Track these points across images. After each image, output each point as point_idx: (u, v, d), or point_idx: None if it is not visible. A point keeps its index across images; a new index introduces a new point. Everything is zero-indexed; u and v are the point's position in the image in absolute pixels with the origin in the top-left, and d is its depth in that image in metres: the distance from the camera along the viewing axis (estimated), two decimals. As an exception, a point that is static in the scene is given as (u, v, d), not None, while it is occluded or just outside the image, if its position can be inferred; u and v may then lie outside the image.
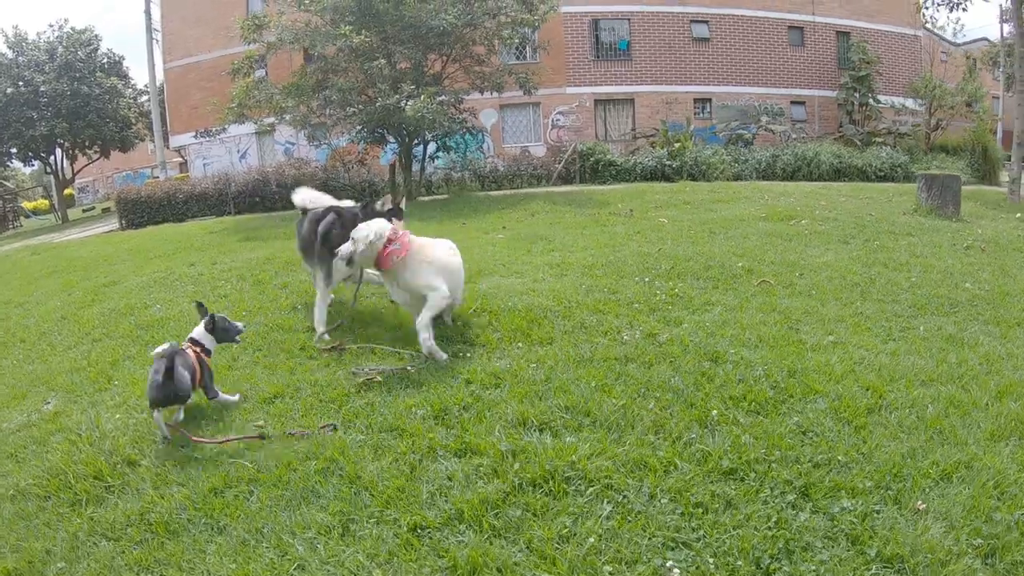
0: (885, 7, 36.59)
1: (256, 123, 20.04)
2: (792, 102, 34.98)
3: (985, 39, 48.19)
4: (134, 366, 6.48)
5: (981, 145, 28.58)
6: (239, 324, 5.57)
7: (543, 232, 12.49)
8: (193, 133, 34.51)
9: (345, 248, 5.86)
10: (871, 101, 33.46)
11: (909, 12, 37.11)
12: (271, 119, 19.44)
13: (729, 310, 6.98)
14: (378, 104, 17.21)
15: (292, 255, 10.64)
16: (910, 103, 35.02)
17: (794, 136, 30.56)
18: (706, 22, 33.78)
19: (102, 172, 58.68)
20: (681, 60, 33.64)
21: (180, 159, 43.03)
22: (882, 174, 25.72)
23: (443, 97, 18.28)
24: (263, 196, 24.81)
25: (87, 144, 40.02)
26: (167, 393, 4.63)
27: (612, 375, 5.30)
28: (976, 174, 26.76)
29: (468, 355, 5.90)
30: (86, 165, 44.53)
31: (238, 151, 34.41)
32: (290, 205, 23.81)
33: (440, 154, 21.83)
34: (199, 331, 5.30)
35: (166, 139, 35.48)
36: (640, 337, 6.14)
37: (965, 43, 49.43)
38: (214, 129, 28.84)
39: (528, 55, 29.30)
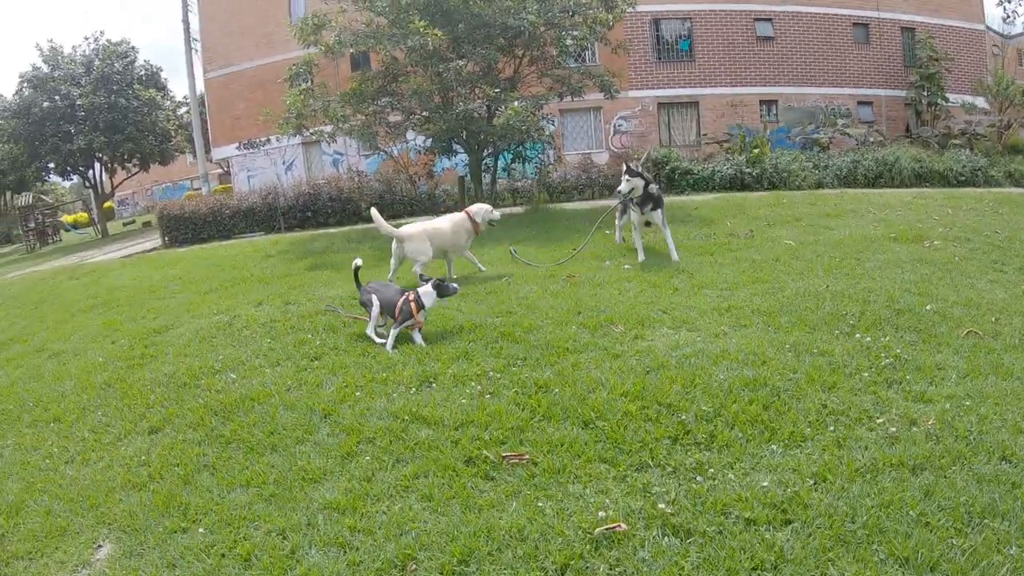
0: (948, 0, 35.13)
1: (314, 134, 18.31)
2: (859, 102, 33.62)
3: None
4: (219, 487, 4.61)
5: None
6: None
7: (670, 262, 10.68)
8: (236, 144, 33.13)
9: None
10: (940, 100, 32.27)
11: (974, 4, 36.27)
12: (328, 128, 17.64)
13: (964, 376, 5.57)
14: (458, 110, 15.39)
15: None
16: (979, 102, 33.18)
17: (871, 140, 28.76)
18: (770, 20, 32.25)
19: (141, 185, 57.85)
20: (745, 60, 32.12)
21: (220, 170, 41.72)
22: (963, 178, 24.22)
23: (523, 102, 16.36)
24: (314, 211, 23.22)
25: (126, 157, 38.88)
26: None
27: (916, 493, 3.93)
28: None
29: (713, 465, 4.24)
30: (125, 179, 43.35)
31: (283, 162, 32.91)
32: (345, 220, 22.79)
33: (515, 165, 19.95)
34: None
35: (207, 150, 34.08)
36: (902, 425, 4.70)
37: (1014, 36, 48.19)
38: (259, 140, 27.29)
39: (587, 57, 27.28)
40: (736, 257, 10.72)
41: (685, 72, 31.57)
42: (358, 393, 5.73)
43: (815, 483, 4.05)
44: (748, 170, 23.60)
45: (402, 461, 4.57)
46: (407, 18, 15.76)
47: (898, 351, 6.07)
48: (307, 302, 9.10)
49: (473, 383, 5.65)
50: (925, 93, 32.25)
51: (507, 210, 20.41)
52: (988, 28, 38.12)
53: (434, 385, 5.74)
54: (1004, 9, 35.66)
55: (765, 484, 4.02)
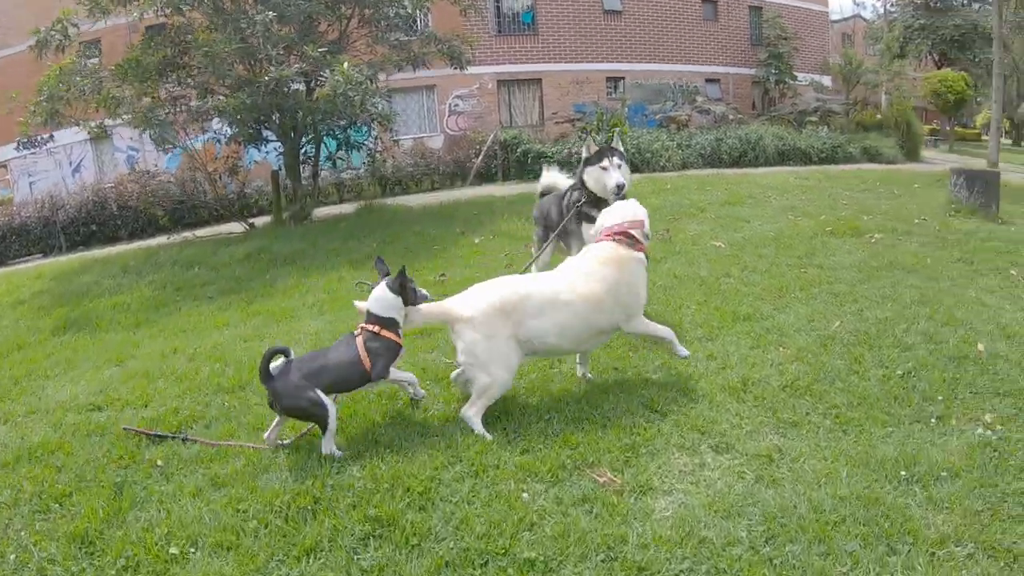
0: (794, -20, 35.55)
1: (81, 125, 13.95)
2: (706, 80, 32.41)
3: (859, 16, 51.08)
4: None
5: (905, 122, 28.01)
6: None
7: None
8: (14, 144, 27.62)
9: None
10: (788, 79, 32.67)
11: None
12: (102, 118, 13.48)
13: None
14: (268, 78, 11.46)
15: (171, 394, 5.47)
16: (825, 80, 34.50)
17: (731, 118, 27.91)
18: (618, -8, 30.03)
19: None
20: (592, 35, 29.61)
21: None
22: (823, 155, 24.45)
23: (354, 67, 12.45)
24: (101, 223, 19.20)
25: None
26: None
27: None
28: (903, 151, 26.41)
29: None
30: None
31: (70, 163, 27.60)
32: (139, 233, 18.34)
33: (341, 153, 16.09)
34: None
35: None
36: None
37: (839, 20, 50.00)
38: (41, 137, 22.30)
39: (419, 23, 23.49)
40: (673, 273, 7.76)
41: (528, 47, 28.62)
42: None
43: None
44: (610, 151, 21.24)
45: None
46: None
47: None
48: (23, 414, 5.31)
49: None
50: (774, 71, 32.22)
51: (333, 209, 16.89)
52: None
53: None
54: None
55: None
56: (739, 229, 10.49)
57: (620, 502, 3.34)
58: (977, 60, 36.62)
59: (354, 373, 4.11)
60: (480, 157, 21.92)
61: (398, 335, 4.23)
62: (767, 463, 3.72)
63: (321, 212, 16.11)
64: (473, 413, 4.14)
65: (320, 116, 12.83)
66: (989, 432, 4.06)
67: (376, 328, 4.16)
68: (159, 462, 4.14)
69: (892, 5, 41.69)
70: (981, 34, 35.79)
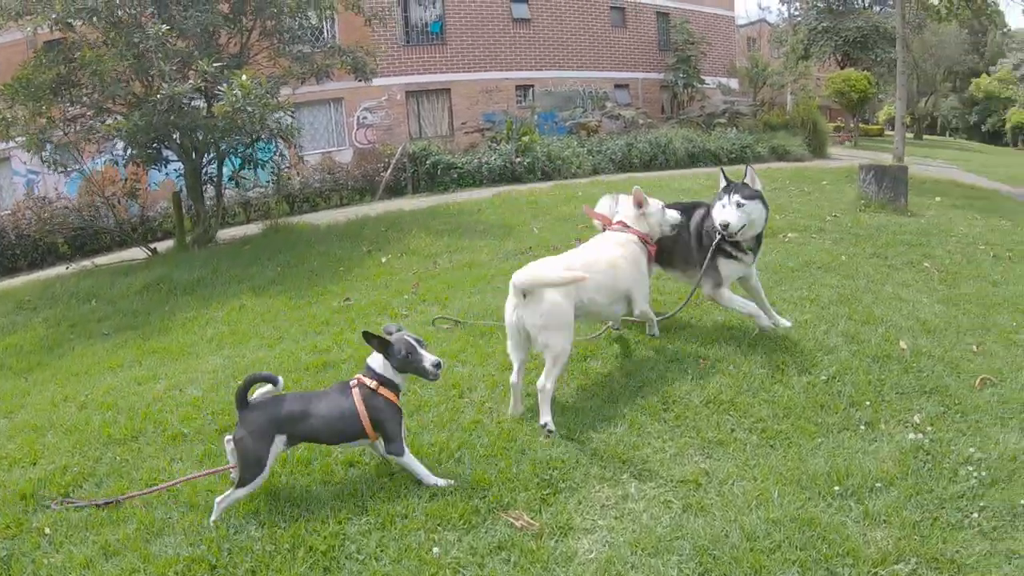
0: (701, -13, 36.41)
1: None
2: (616, 85, 32.98)
3: (764, 21, 52.75)
4: None
5: (811, 121, 28.63)
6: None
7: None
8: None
9: None
10: (696, 83, 33.32)
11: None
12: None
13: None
14: (160, 95, 11.01)
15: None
16: (732, 83, 35.61)
17: (640, 122, 28.09)
18: (526, 1, 30.07)
19: None
20: (500, 44, 29.65)
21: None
22: (733, 156, 24.58)
23: (254, 79, 11.87)
24: (-2, 253, 18.12)
25: None
26: None
27: None
28: (810, 149, 26.99)
29: None
30: None
31: (-34, 190, 26.22)
32: (40, 262, 17.13)
33: (245, 171, 15.43)
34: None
35: None
36: None
37: (745, 25, 51.27)
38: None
39: (326, 34, 22.79)
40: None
41: (436, 56, 28.45)
42: None
43: None
44: (519, 159, 21.59)
45: None
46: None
47: (969, 451, 3.88)
48: None
49: None
50: (682, 76, 32.85)
51: (239, 230, 16.32)
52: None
53: None
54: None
55: None
56: (655, 235, 10.35)
57: (540, 547, 3.13)
58: (878, 59, 37.93)
59: (349, 426, 3.69)
60: (389, 170, 21.44)
61: (397, 397, 3.81)
62: (694, 488, 3.57)
63: (226, 234, 15.59)
64: (551, 386, 4.29)
65: (220, 134, 12.31)
66: (920, 435, 4.01)
67: (375, 384, 3.74)
68: (47, 530, 3.79)
69: (796, 9, 42.94)
70: (882, 35, 37.24)
